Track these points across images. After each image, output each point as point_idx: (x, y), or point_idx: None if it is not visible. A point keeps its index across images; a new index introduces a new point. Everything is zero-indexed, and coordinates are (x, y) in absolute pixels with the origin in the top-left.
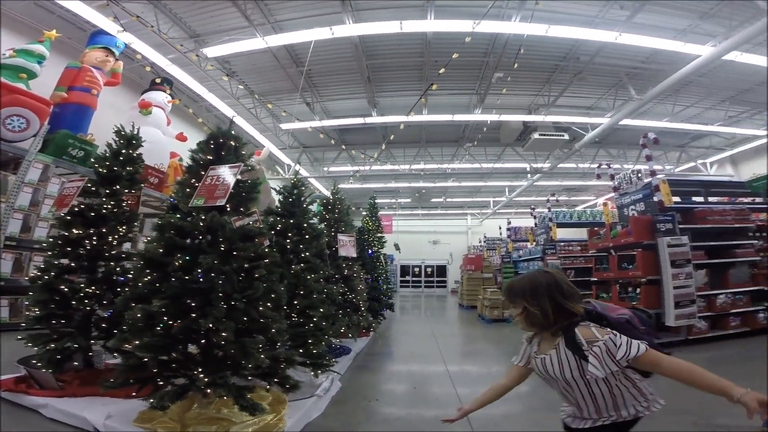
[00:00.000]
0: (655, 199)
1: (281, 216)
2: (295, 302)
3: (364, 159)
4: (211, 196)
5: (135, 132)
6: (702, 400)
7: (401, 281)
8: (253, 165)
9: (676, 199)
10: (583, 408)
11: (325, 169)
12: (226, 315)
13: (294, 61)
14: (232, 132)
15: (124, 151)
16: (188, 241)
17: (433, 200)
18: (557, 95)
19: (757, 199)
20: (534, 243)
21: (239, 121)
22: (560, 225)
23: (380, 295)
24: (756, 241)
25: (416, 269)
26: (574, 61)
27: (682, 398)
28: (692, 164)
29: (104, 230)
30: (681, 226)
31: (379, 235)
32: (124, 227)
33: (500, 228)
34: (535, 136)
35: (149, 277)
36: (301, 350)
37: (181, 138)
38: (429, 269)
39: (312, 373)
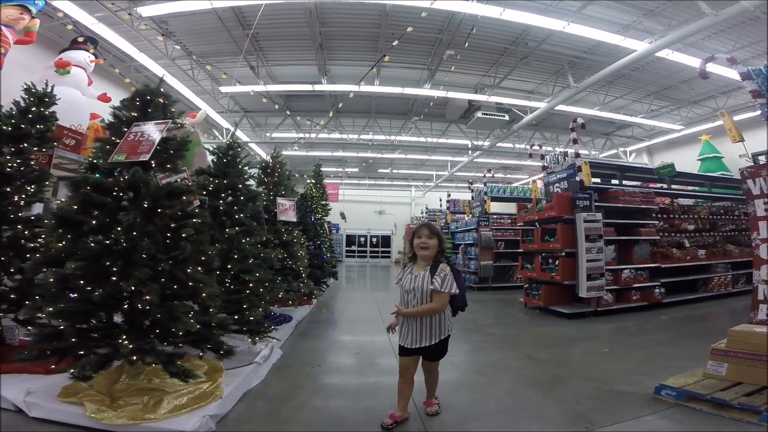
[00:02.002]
0: (577, 178)
1: (214, 176)
2: (229, 266)
3: (311, 126)
4: (134, 151)
5: (48, 90)
6: (610, 372)
7: (347, 251)
8: (185, 126)
9: (596, 180)
10: (418, 327)
11: (268, 134)
12: (150, 277)
13: (240, 23)
14: (161, 90)
15: (34, 108)
16: (108, 199)
17: (380, 171)
18: (502, 77)
19: (662, 185)
20: (470, 215)
21: (174, 82)
22: (494, 199)
23: (323, 263)
24: (657, 222)
25: (362, 239)
26: (522, 46)
27: (590, 369)
28: (614, 151)
29: (8, 189)
30: (597, 203)
31: (323, 202)
32: (32, 187)
33: (441, 200)
34: (479, 114)
35: (63, 239)
36: (236, 316)
37: (104, 98)
38: (374, 239)
39: (249, 341)
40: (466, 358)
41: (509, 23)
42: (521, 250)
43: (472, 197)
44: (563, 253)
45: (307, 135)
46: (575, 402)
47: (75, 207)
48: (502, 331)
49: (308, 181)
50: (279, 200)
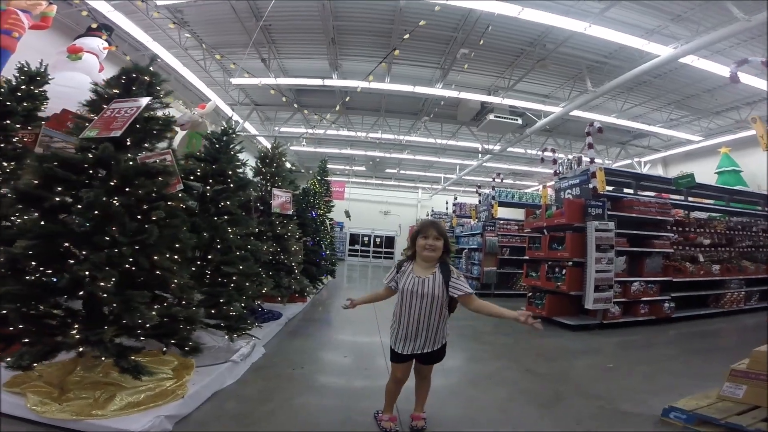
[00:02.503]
0: (591, 185)
1: (203, 161)
2: (210, 257)
3: (319, 121)
4: (107, 127)
5: (42, 69)
6: (614, 390)
7: (350, 250)
8: (193, 115)
9: (609, 188)
10: (422, 333)
11: (276, 129)
12: (109, 262)
13: (254, 14)
14: (150, 68)
15: (23, 87)
16: (73, 176)
17: (387, 171)
18: (517, 80)
19: (679, 196)
20: (476, 220)
21: (186, 72)
22: (502, 204)
23: (321, 260)
24: (672, 235)
25: (366, 239)
26: (539, 48)
27: (592, 385)
28: (629, 161)
29: None
30: (609, 212)
31: (327, 198)
32: (11, 164)
33: (447, 203)
34: (491, 117)
35: (23, 215)
36: (213, 311)
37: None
38: (378, 239)
39: (227, 337)
40: (460, 366)
41: (527, 23)
42: (527, 257)
43: (480, 201)
44: (571, 263)
45: (312, 130)
46: (575, 422)
47: (36, 182)
48: (501, 340)
49: (313, 176)
50: (274, 191)
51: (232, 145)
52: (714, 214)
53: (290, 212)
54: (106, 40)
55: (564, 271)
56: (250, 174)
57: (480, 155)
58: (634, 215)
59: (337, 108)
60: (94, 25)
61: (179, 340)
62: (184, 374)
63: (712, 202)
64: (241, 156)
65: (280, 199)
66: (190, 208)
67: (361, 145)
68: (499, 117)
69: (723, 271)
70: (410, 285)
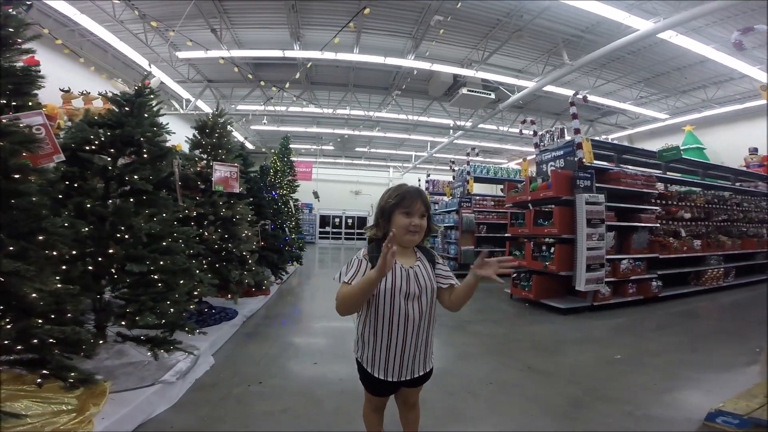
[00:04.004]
0: (576, 157)
1: (104, 127)
2: (111, 251)
3: (278, 94)
4: None
5: None
6: (634, 389)
7: (321, 232)
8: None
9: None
10: (420, 351)
11: (234, 107)
12: None
13: None
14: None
15: None
16: None
17: (357, 149)
18: (492, 52)
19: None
20: (450, 196)
21: (124, 48)
22: (478, 179)
23: (285, 246)
24: (656, 208)
25: (337, 220)
26: (516, 19)
27: (609, 385)
28: (596, 138)
29: None
30: (597, 185)
31: (291, 178)
32: None
33: (419, 181)
34: (463, 91)
35: None
36: (123, 322)
37: (32, 62)
38: (350, 220)
39: (149, 354)
40: (451, 368)
41: None
42: (508, 235)
43: (454, 177)
44: (558, 240)
45: (274, 108)
46: None
47: None
48: (489, 329)
49: (273, 154)
50: (215, 165)
51: (147, 107)
52: (693, 189)
53: (236, 190)
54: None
55: (552, 250)
56: (186, 148)
57: (451, 131)
58: (622, 188)
59: (297, 76)
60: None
61: (55, 369)
62: (90, 405)
63: (679, 175)
64: (161, 120)
65: (223, 174)
66: (87, 189)
67: (329, 122)
68: (472, 91)
69: (704, 246)
70: (399, 281)
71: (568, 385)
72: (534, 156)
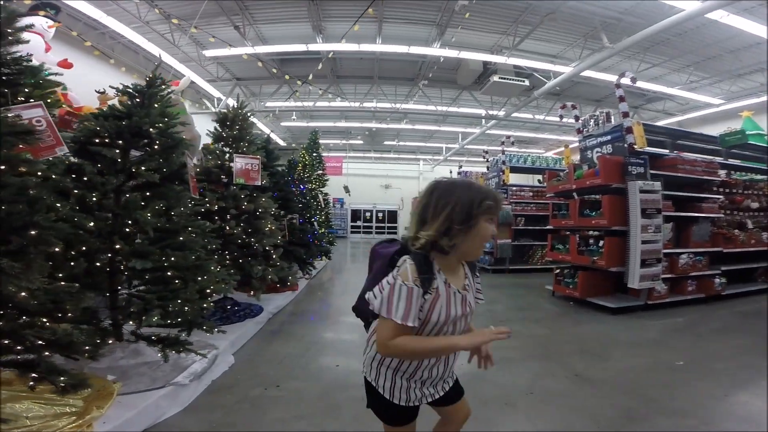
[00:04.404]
0: (627, 141)
1: (107, 117)
2: (117, 247)
3: (304, 89)
4: None
5: None
6: (700, 399)
7: (352, 227)
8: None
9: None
10: (448, 369)
11: (263, 104)
12: None
13: None
14: None
15: None
16: None
17: (385, 143)
18: (523, 37)
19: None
20: None
21: (152, 49)
22: (514, 169)
23: (314, 240)
24: (719, 197)
25: (368, 214)
26: (548, 1)
27: (671, 395)
28: (648, 123)
29: None
30: (651, 171)
31: (320, 172)
32: None
33: (450, 173)
34: (495, 78)
35: None
36: (133, 321)
37: (65, 65)
38: (380, 214)
39: (160, 355)
40: (486, 375)
41: None
42: (550, 227)
43: (488, 168)
44: (608, 232)
45: (302, 103)
46: None
47: None
48: (531, 329)
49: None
50: (235, 157)
51: (157, 96)
52: (757, 177)
53: (258, 182)
54: (49, 17)
55: (601, 243)
56: (208, 141)
57: (483, 121)
58: (679, 175)
59: (320, 67)
60: (27, 1)
61: (45, 372)
62: (92, 407)
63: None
64: (172, 111)
65: (243, 165)
66: (96, 182)
67: (356, 116)
68: (504, 78)
69: None
70: (453, 311)
71: (621, 394)
72: (577, 143)
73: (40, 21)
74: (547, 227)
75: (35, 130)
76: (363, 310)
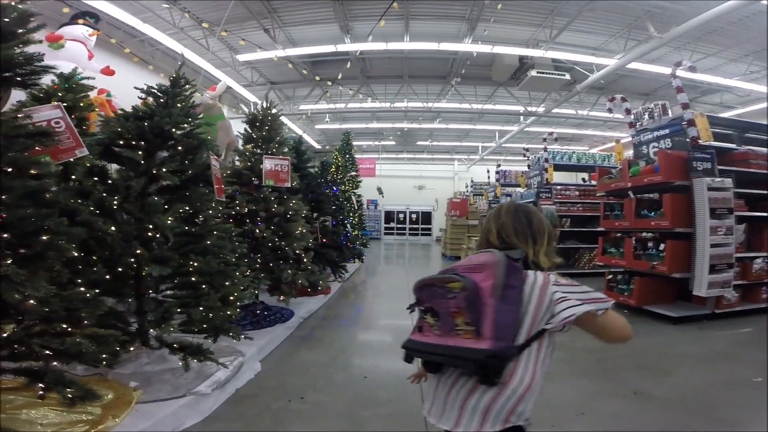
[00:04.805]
0: (689, 135)
1: (128, 118)
2: (138, 252)
3: (335, 90)
4: None
5: None
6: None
7: (386, 228)
8: (208, 101)
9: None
10: None
11: (296, 106)
12: None
13: None
14: None
15: None
16: None
17: (418, 143)
18: (561, 29)
19: None
20: (526, 187)
21: (190, 55)
22: (558, 168)
23: (346, 243)
24: None
25: (401, 215)
26: None
27: (748, 417)
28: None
29: None
30: (719, 167)
31: (353, 173)
32: None
33: (488, 172)
34: (533, 73)
35: None
36: (153, 329)
37: (108, 72)
38: (414, 216)
39: (181, 364)
40: None
41: None
42: (601, 229)
43: (529, 166)
44: (669, 234)
45: (334, 105)
46: None
47: None
48: (580, 341)
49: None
50: (265, 158)
51: (181, 98)
52: None
53: (288, 184)
54: (90, 26)
55: (662, 247)
56: (240, 144)
57: (522, 118)
58: (752, 171)
59: (349, 65)
60: (65, 10)
61: (52, 383)
62: (108, 416)
63: None
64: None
65: (272, 166)
66: (118, 185)
67: (388, 117)
68: (543, 73)
69: None
70: None
71: (689, 415)
72: (627, 138)
73: (81, 30)
74: (597, 229)
75: (51, 132)
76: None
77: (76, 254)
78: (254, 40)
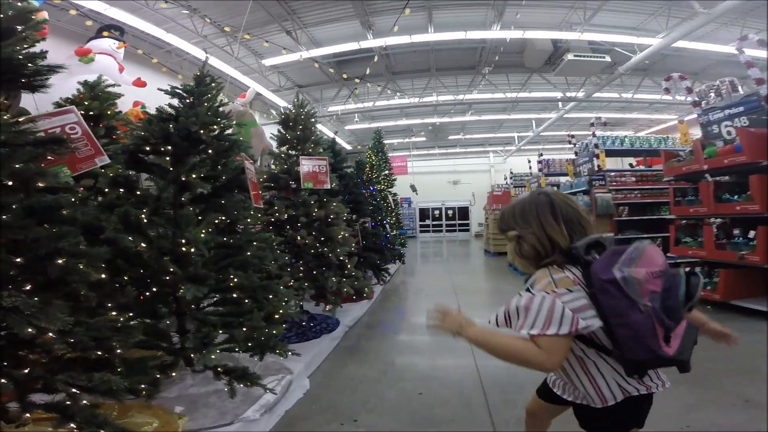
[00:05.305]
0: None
1: (159, 121)
2: (171, 270)
3: (362, 88)
4: None
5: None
6: None
7: (421, 226)
8: (239, 107)
9: None
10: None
11: (325, 108)
12: None
13: None
14: None
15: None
16: None
17: (450, 137)
18: (595, 9)
19: None
20: (575, 176)
21: (216, 63)
22: (610, 153)
23: (386, 244)
24: None
25: (436, 212)
26: None
27: None
28: None
29: None
30: None
31: (386, 172)
32: None
33: (529, 162)
34: (569, 57)
35: None
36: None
37: (140, 84)
38: (450, 212)
39: (226, 390)
40: None
41: None
42: (672, 216)
43: (576, 153)
44: (761, 220)
45: (362, 104)
46: None
47: None
48: None
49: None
50: (302, 159)
51: (208, 95)
52: None
53: (327, 185)
54: (115, 38)
55: (752, 234)
56: (274, 145)
57: (560, 105)
58: None
59: (375, 59)
60: (88, 23)
61: (83, 424)
62: None
63: None
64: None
65: (310, 168)
66: (145, 196)
67: (417, 113)
68: (580, 56)
69: None
70: None
71: None
72: (694, 116)
73: (108, 42)
74: (661, 216)
75: (64, 139)
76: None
77: (104, 276)
78: (277, 43)
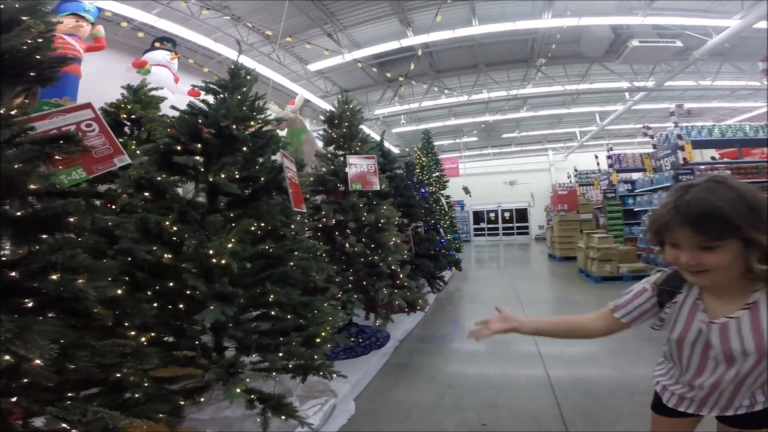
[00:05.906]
0: None
1: (188, 116)
2: (193, 286)
3: (407, 90)
4: None
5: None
6: None
7: (475, 229)
8: (290, 115)
9: None
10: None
11: (371, 112)
12: None
13: None
14: None
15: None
16: None
17: (504, 136)
18: None
19: None
20: (653, 170)
21: (264, 71)
22: (698, 144)
23: (441, 250)
24: None
25: (492, 215)
26: None
27: None
28: None
29: None
30: None
31: (437, 174)
32: None
33: (596, 158)
34: (634, 43)
35: None
36: (223, 381)
37: (194, 93)
38: (507, 214)
39: (259, 419)
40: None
41: None
42: None
43: (654, 146)
44: None
45: (408, 106)
46: None
47: None
48: None
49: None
50: (350, 159)
51: (242, 90)
52: None
53: (376, 186)
54: (168, 50)
55: None
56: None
57: (627, 95)
58: None
59: (419, 53)
60: (140, 34)
61: None
62: None
63: None
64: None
65: (358, 168)
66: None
67: (466, 111)
68: (646, 42)
69: None
70: (699, 336)
71: None
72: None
73: (161, 54)
74: None
75: (77, 136)
76: None
77: (119, 292)
78: (320, 45)
